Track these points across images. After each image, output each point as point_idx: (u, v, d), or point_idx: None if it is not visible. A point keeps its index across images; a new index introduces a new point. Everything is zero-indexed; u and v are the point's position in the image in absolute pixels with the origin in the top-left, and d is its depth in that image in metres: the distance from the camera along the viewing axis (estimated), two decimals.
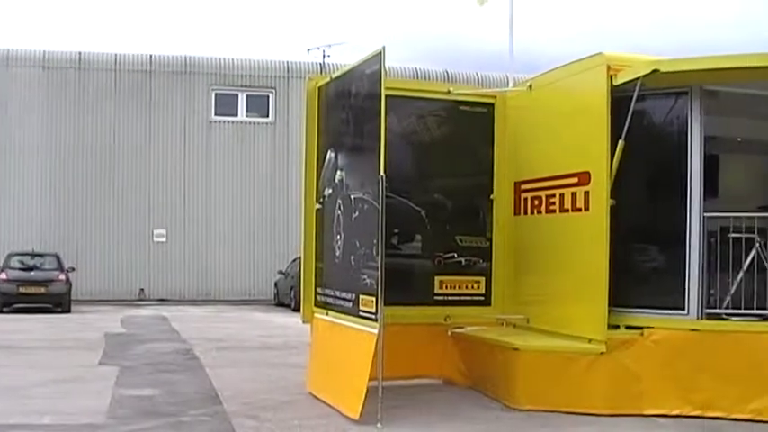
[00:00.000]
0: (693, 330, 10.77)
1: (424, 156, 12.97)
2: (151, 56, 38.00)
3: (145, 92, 37.55)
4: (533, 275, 12.43)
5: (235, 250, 37.77)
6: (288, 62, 39.01)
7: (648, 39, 60.64)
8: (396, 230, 12.45)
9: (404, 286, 12.04)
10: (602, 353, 10.79)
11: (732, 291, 10.99)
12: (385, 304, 10.03)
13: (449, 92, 13.03)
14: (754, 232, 11.06)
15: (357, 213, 10.96)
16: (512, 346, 11.41)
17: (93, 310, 30.11)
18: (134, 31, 70.62)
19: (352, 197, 11.12)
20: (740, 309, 10.90)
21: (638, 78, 10.60)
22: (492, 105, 13.03)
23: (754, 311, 10.87)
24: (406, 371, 12.36)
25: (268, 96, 38.83)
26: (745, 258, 11.05)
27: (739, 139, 14.17)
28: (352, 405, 10.21)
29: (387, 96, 10.26)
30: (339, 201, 11.54)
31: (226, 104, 38.58)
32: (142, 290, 36.90)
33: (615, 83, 10.80)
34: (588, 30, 66.49)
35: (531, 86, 12.61)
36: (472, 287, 12.83)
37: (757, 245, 11.08)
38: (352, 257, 11.04)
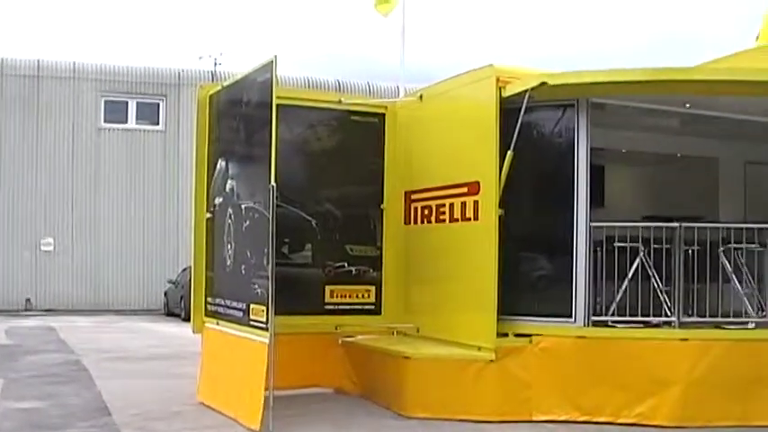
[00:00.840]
0: (580, 337, 10.98)
1: (315, 165, 12.96)
2: (39, 61, 37.25)
3: (32, 97, 36.78)
4: (424, 284, 12.52)
5: (125, 259, 37.22)
6: (179, 69, 38.63)
7: (540, 50, 61.51)
8: (286, 240, 12.44)
9: (294, 295, 12.01)
10: (491, 360, 10.90)
11: (618, 298, 11.24)
12: (276, 313, 10.01)
13: (340, 101, 13.08)
14: (638, 241, 11.34)
15: (248, 222, 10.92)
16: (402, 355, 11.46)
17: None
18: (21, 35, 69.19)
19: (242, 206, 11.08)
20: (625, 316, 11.17)
21: (526, 90, 10.78)
22: (383, 115, 13.13)
23: (639, 318, 11.15)
24: (297, 380, 12.33)
25: (158, 104, 38.39)
26: (630, 267, 11.32)
27: (624, 151, 14.52)
28: (252, 416, 10.14)
29: (278, 105, 10.25)
30: (230, 210, 11.49)
31: (115, 111, 37.98)
32: (28, 300, 36.09)
33: (504, 94, 10.97)
34: (480, 41, 67.16)
35: (421, 97, 12.72)
36: (363, 296, 12.89)
37: (642, 254, 11.35)
38: (243, 267, 11.00)
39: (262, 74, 10.62)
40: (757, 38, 15.39)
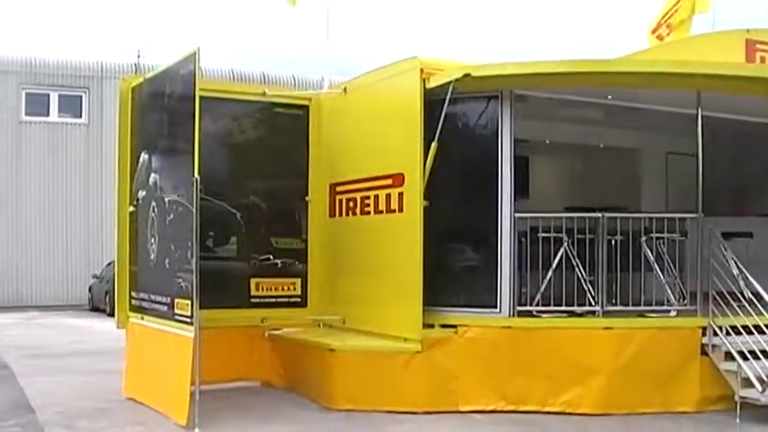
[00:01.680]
0: (506, 328, 11.08)
1: (239, 158, 12.91)
2: None
3: None
4: (349, 276, 12.52)
5: (48, 254, 36.67)
6: (101, 62, 38.13)
7: (469, 46, 61.77)
8: (211, 233, 12.39)
9: (220, 289, 11.92)
10: (417, 352, 10.95)
11: (542, 288, 11.36)
12: (201, 307, 9.93)
13: (264, 93, 13.04)
14: (562, 232, 11.44)
15: (171, 216, 10.82)
16: (328, 347, 11.46)
17: None
18: None
19: (166, 200, 10.98)
20: (550, 306, 11.29)
21: (450, 82, 10.81)
22: (307, 108, 13.10)
23: (563, 308, 11.27)
24: (223, 374, 12.25)
25: (81, 96, 37.83)
26: (555, 257, 11.43)
27: (548, 142, 14.65)
28: (179, 410, 10.07)
29: (201, 98, 10.17)
30: (153, 203, 11.37)
31: (37, 104, 37.35)
32: None
33: (428, 86, 10.99)
34: (407, 34, 67.25)
35: (345, 89, 12.71)
36: (288, 289, 12.87)
37: (566, 244, 11.46)
38: (167, 261, 10.90)
39: (184, 66, 10.52)
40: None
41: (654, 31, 14.88)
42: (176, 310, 10.49)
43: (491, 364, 11.00)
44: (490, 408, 10.96)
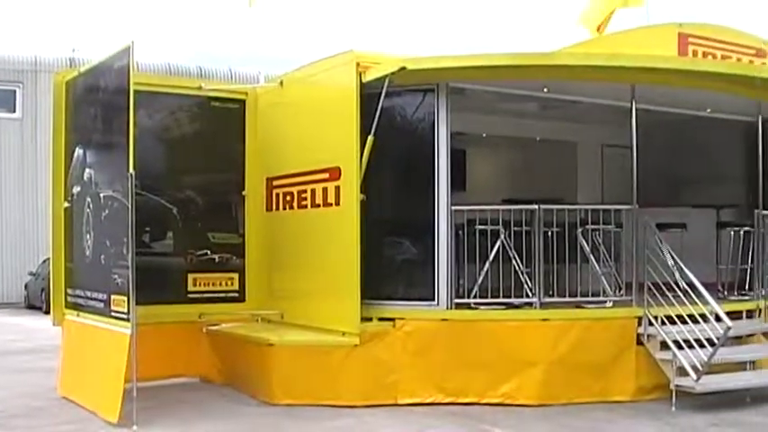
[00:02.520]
0: (444, 320, 11.12)
1: (175, 152, 12.83)
2: None
3: None
4: (287, 271, 12.50)
5: None
6: (36, 56, 37.65)
7: (409, 40, 61.87)
8: (147, 228, 12.32)
9: (156, 285, 11.89)
10: (355, 345, 10.95)
11: (480, 281, 11.41)
12: (137, 303, 9.86)
13: (200, 87, 12.97)
14: (499, 224, 11.49)
15: (107, 212, 10.71)
16: (266, 342, 11.42)
17: None
18: None
19: (101, 195, 10.87)
20: (488, 298, 11.34)
21: (386, 75, 10.81)
22: (243, 101, 13.05)
23: (501, 300, 11.34)
24: (161, 371, 12.21)
25: (15, 91, 37.32)
26: (492, 249, 11.49)
27: (485, 135, 14.73)
28: (110, 408, 9.97)
29: (136, 92, 10.06)
30: (88, 199, 11.25)
31: None
32: None
33: (364, 80, 10.98)
34: (344, 29, 67.21)
35: (282, 83, 12.68)
36: (226, 284, 12.83)
37: (503, 236, 11.53)
38: (103, 257, 10.80)
39: (119, 59, 10.41)
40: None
41: (584, 24, 14.96)
42: (113, 307, 10.39)
43: (429, 357, 11.03)
44: (429, 400, 10.99)
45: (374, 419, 10.36)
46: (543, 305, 11.32)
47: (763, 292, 12.74)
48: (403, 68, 10.68)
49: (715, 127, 13.96)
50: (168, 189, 12.65)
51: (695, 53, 12.27)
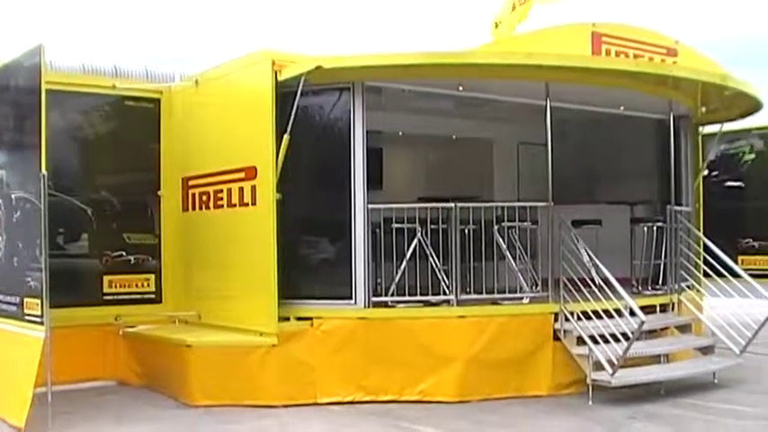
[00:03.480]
0: (361, 319, 11.13)
1: (89, 152, 12.69)
2: None
3: None
4: (204, 271, 12.41)
5: None
6: None
7: (327, 40, 61.50)
8: (61, 230, 12.17)
9: (71, 287, 11.75)
10: (273, 345, 10.91)
11: (397, 279, 11.44)
12: (52, 306, 9.68)
13: (114, 86, 12.81)
14: (416, 222, 11.52)
15: (19, 213, 10.52)
16: (184, 343, 11.31)
17: None
18: None
19: (13, 196, 10.67)
20: (405, 296, 11.35)
21: (302, 74, 10.78)
22: (158, 101, 12.96)
23: (418, 298, 11.36)
24: (77, 374, 11.97)
25: None
26: (409, 247, 11.51)
27: (401, 133, 14.76)
28: (17, 413, 9.76)
29: (48, 91, 9.88)
30: (0, 200, 11.06)
31: None
32: None
33: (280, 78, 10.93)
34: (260, 29, 66.76)
35: (197, 82, 12.57)
36: (142, 285, 12.72)
37: (419, 234, 11.55)
38: (15, 259, 10.60)
39: (29, 58, 10.22)
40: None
41: (497, 26, 15.02)
42: (26, 310, 10.20)
43: (348, 356, 11.04)
44: (348, 399, 11.00)
45: (294, 419, 10.33)
46: (460, 302, 11.37)
47: (676, 287, 12.94)
48: (318, 67, 10.66)
49: (629, 125, 14.19)
50: (82, 190, 12.50)
51: (608, 52, 12.40)
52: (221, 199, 11.86)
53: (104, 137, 12.80)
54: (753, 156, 17.15)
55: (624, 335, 10.64)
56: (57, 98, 11.05)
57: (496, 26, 14.90)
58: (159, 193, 12.86)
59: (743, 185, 17.15)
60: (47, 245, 9.74)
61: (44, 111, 9.75)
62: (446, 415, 10.41)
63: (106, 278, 12.54)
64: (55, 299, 9.75)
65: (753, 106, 13.84)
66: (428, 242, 11.57)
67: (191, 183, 12.54)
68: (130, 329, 12.56)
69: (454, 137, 15.87)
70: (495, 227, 11.91)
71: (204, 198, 12.24)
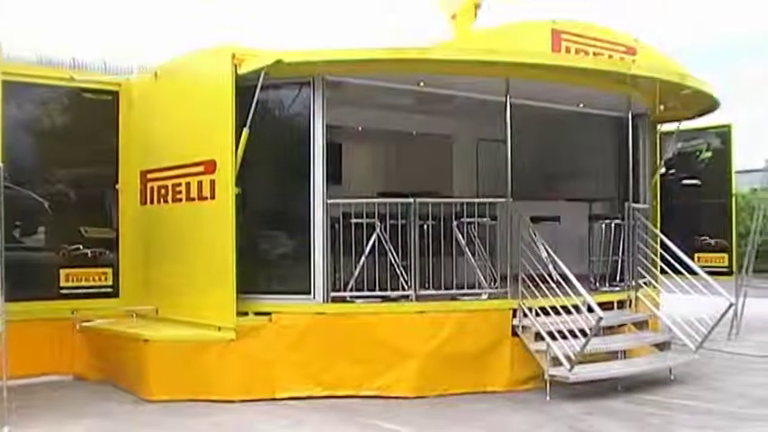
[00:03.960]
0: (320, 314, 11.13)
1: (46, 144, 12.55)
2: None
3: None
4: (163, 265, 12.34)
5: None
6: None
7: (290, 34, 61.28)
8: (17, 223, 12.04)
9: (27, 281, 11.61)
10: (231, 340, 10.87)
11: (356, 274, 11.43)
12: (7, 300, 9.58)
13: (72, 78, 12.71)
14: (375, 217, 11.52)
15: None
16: (141, 338, 11.25)
17: None
18: None
19: None
20: (364, 291, 11.35)
21: (262, 68, 10.75)
22: (117, 93, 12.88)
23: (377, 293, 11.36)
24: (33, 369, 11.88)
25: None
26: (367, 243, 11.51)
27: (362, 129, 14.74)
28: None
29: (4, 82, 9.80)
30: None
31: None
32: None
33: (240, 72, 10.88)
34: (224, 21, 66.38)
35: (156, 74, 12.50)
36: (99, 279, 12.65)
37: (378, 229, 11.55)
38: None
39: None
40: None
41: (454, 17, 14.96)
42: None
43: (306, 351, 11.03)
44: (306, 394, 10.98)
45: (251, 415, 10.30)
46: (419, 298, 11.38)
47: (633, 283, 13.03)
48: (279, 61, 10.64)
49: (587, 122, 14.26)
50: (39, 182, 12.38)
51: (568, 50, 12.43)
52: (180, 193, 11.79)
53: (62, 129, 12.69)
54: (710, 154, 17.29)
55: (582, 331, 10.70)
56: (13, 90, 10.90)
57: (453, 18, 14.83)
58: (117, 186, 12.79)
59: (700, 183, 17.28)
60: (2, 238, 9.64)
61: (0, 102, 9.65)
62: (404, 410, 10.42)
63: (63, 272, 12.45)
64: (11, 292, 9.63)
65: (710, 105, 13.96)
66: (387, 237, 11.57)
67: (149, 176, 12.46)
68: (87, 324, 12.47)
69: (414, 132, 15.89)
70: (455, 222, 11.94)
71: (163, 192, 12.17)
